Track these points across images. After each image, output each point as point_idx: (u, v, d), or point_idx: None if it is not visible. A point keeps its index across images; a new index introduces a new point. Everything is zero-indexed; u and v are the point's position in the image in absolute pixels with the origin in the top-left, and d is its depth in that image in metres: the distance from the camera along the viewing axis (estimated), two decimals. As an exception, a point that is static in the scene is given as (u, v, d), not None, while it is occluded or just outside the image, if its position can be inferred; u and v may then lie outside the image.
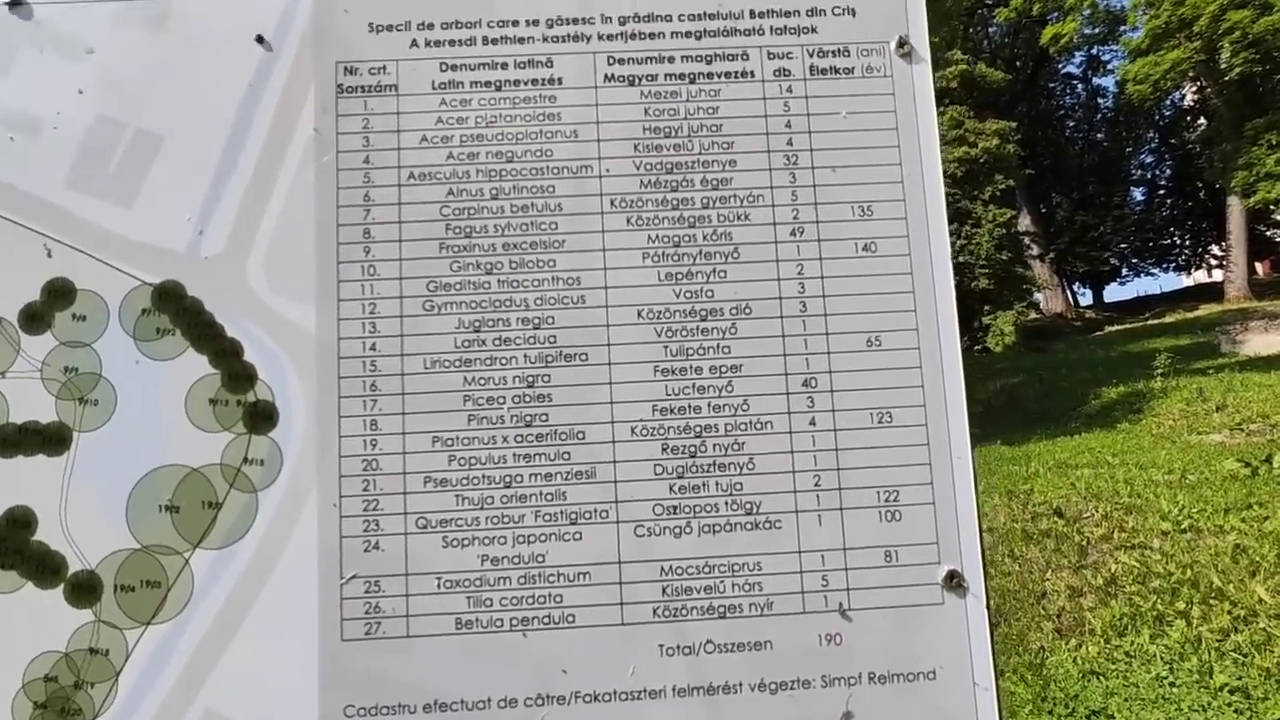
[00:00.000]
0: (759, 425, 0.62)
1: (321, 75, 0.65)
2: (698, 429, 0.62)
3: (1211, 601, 3.27)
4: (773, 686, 0.60)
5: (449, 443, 0.61)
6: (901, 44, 0.67)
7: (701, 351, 0.63)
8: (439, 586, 0.60)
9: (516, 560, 0.60)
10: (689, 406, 0.62)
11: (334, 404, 0.62)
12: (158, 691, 0.58)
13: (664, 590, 0.60)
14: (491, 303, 0.63)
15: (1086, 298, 25.40)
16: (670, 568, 0.61)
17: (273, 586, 0.60)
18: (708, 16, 0.67)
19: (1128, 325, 17.14)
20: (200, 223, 0.63)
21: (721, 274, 0.64)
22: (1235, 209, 16.74)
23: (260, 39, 0.65)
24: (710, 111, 0.66)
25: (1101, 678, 2.88)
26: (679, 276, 0.64)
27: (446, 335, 0.63)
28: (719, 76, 0.66)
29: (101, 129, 0.64)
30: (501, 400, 0.62)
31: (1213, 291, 19.03)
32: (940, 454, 0.63)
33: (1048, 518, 4.54)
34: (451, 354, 0.62)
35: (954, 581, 0.61)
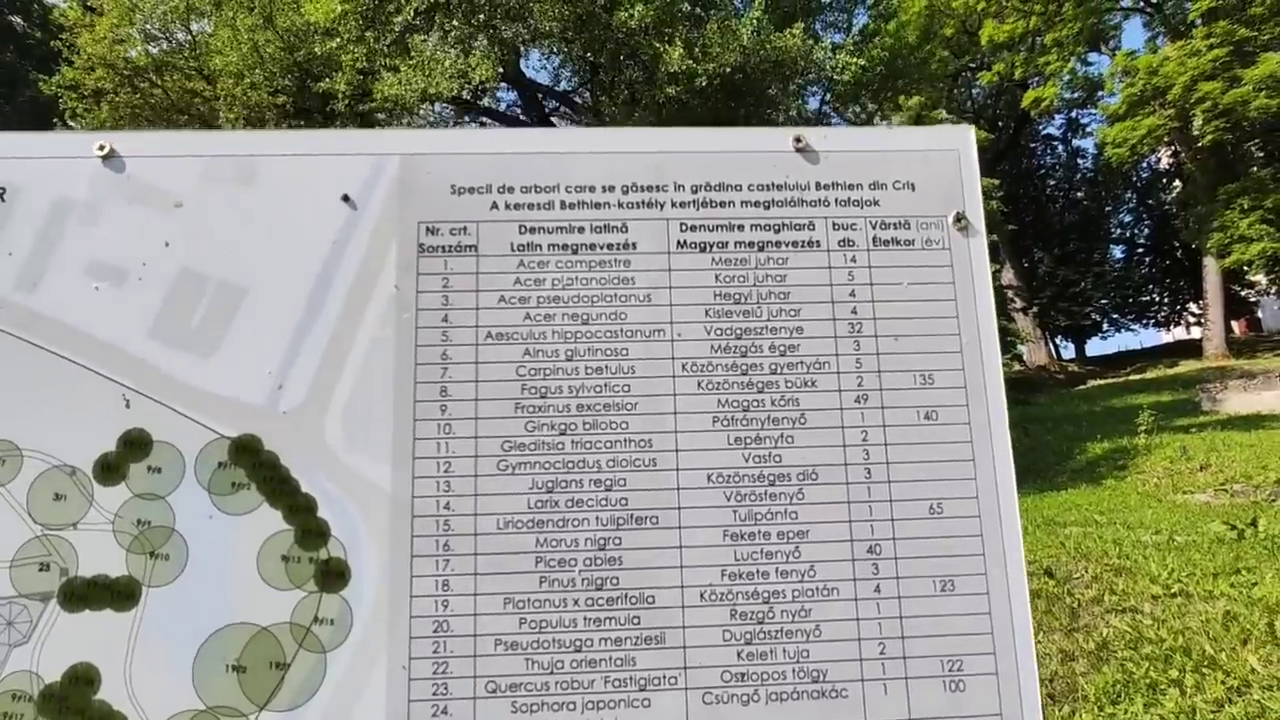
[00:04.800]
0: (825, 591, 0.63)
1: (404, 234, 0.67)
2: (766, 595, 0.63)
3: (1204, 670, 3.26)
4: None
5: (520, 605, 0.62)
6: (959, 219, 0.70)
7: (770, 516, 0.64)
8: (507, 755, 0.60)
9: (585, 728, 0.60)
10: (757, 572, 0.63)
11: (406, 563, 0.62)
12: None
13: (732, 761, 0.60)
14: (565, 464, 0.64)
15: (1069, 351, 25.83)
16: (738, 738, 0.61)
17: (339, 753, 0.59)
18: (775, 187, 0.70)
19: (1110, 380, 17.39)
20: (280, 376, 0.64)
21: (789, 439, 0.66)
22: (1211, 269, 17.22)
23: (346, 198, 0.67)
24: (778, 279, 0.69)
25: (1097, 748, 2.85)
26: (748, 441, 0.66)
27: (520, 495, 0.64)
28: (786, 245, 0.69)
29: (186, 281, 0.66)
30: (573, 562, 0.63)
31: (1192, 348, 19.42)
32: (1002, 624, 0.64)
33: (1038, 578, 4.53)
34: (525, 514, 0.63)
35: (1017, 755, 0.62)
